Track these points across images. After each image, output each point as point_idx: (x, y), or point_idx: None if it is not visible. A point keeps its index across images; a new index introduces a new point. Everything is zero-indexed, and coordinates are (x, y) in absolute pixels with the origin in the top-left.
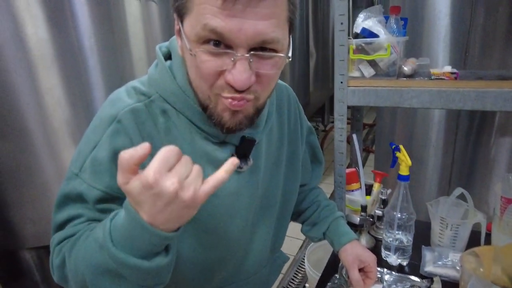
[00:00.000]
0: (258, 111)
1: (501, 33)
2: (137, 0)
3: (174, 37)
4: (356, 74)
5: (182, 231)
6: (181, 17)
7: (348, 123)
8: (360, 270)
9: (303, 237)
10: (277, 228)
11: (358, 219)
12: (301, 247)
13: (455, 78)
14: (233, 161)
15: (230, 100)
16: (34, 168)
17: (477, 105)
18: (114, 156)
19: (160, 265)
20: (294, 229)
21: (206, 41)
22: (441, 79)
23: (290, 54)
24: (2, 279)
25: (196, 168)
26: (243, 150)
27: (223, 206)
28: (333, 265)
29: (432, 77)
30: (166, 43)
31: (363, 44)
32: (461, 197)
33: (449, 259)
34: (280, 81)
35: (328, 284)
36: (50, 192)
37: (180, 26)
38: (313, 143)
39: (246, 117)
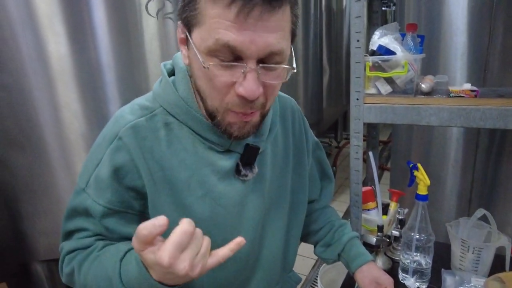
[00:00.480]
0: (263, 118)
1: None
2: (154, 17)
3: (177, 54)
4: (372, 91)
5: None
6: (189, 28)
7: (363, 140)
8: None
9: (315, 256)
10: (287, 242)
11: (375, 239)
12: (313, 267)
13: (475, 96)
14: (240, 242)
15: (241, 115)
16: (49, 180)
17: (499, 124)
18: (115, 173)
19: None
20: (306, 248)
21: (218, 54)
22: (460, 96)
23: (294, 65)
24: None
25: (205, 244)
26: (248, 158)
27: (230, 216)
28: (348, 287)
29: (451, 95)
30: (170, 61)
31: (379, 62)
32: (483, 218)
33: (472, 284)
34: (283, 94)
35: None
36: (63, 205)
37: (188, 36)
38: (321, 158)
39: (253, 126)
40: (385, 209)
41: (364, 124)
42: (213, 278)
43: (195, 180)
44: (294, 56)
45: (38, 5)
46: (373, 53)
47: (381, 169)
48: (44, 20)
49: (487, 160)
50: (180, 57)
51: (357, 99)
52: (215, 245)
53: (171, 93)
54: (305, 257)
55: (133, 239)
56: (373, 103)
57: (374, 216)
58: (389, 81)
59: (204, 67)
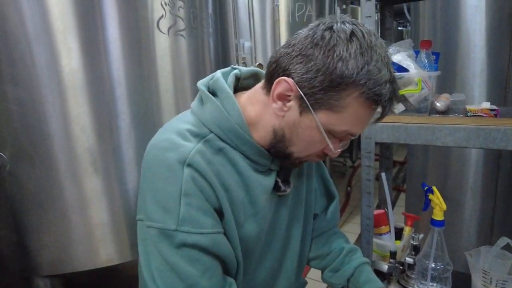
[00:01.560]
0: None
1: None
2: (165, 34)
3: (217, 75)
4: None
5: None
6: (319, 106)
7: (376, 160)
8: None
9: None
10: (302, 250)
11: (387, 267)
12: None
13: (495, 115)
14: None
15: (316, 160)
16: (56, 193)
17: None
18: (204, 197)
19: None
20: (317, 272)
21: (337, 135)
22: (479, 115)
23: None
24: None
25: None
26: (285, 175)
27: (268, 230)
28: None
29: (469, 114)
30: (205, 81)
31: None
32: (507, 247)
33: None
34: None
35: None
36: (68, 219)
37: (310, 107)
38: (324, 176)
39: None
40: (399, 234)
41: (377, 143)
42: (248, 282)
43: (247, 200)
44: None
45: (53, 22)
46: None
47: (397, 190)
48: (58, 35)
49: (510, 184)
50: (222, 79)
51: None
52: (258, 255)
53: (224, 119)
54: (316, 281)
55: None
56: (385, 122)
57: (387, 241)
58: (402, 99)
59: (331, 149)
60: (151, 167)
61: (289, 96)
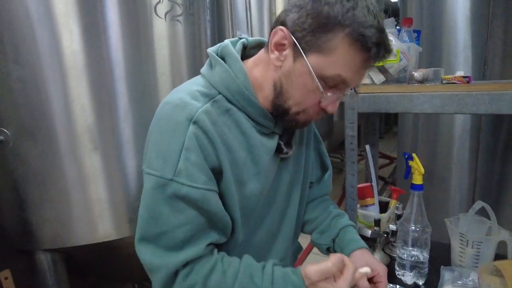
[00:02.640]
0: None
1: None
2: (162, 19)
3: (227, 43)
4: (366, 81)
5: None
6: (306, 47)
7: (359, 157)
8: (369, 281)
9: None
10: (299, 213)
11: (370, 232)
12: None
13: (468, 82)
14: (366, 270)
15: (310, 118)
16: (57, 170)
17: (492, 109)
18: (202, 154)
19: None
20: (313, 259)
21: (328, 81)
22: (453, 83)
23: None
24: (17, 279)
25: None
26: (287, 138)
27: (271, 190)
28: None
29: (444, 82)
30: (214, 48)
31: None
32: (486, 215)
33: (470, 278)
34: None
35: None
36: (68, 194)
37: (302, 53)
38: (320, 149)
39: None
40: (385, 207)
41: (362, 116)
42: (247, 242)
43: (250, 159)
44: None
45: (55, 5)
46: None
47: (394, 185)
48: (60, 18)
49: (491, 159)
50: (231, 45)
51: (351, 89)
52: (259, 214)
53: (232, 81)
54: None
55: (315, 273)
56: (367, 92)
57: (372, 211)
58: (382, 70)
59: (320, 91)
60: (160, 122)
61: (284, 44)
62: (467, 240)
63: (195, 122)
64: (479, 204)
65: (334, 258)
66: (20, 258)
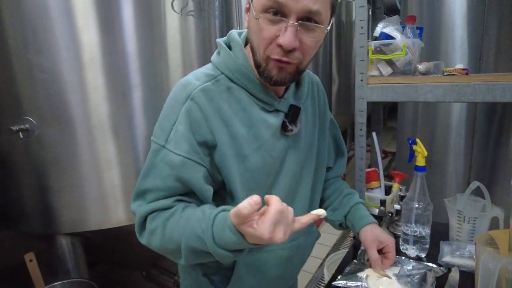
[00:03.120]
0: (299, 72)
1: None
2: (179, 13)
3: (231, 31)
4: (375, 73)
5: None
6: None
7: (368, 151)
8: (379, 252)
9: (322, 255)
10: (313, 196)
11: (377, 210)
12: (320, 266)
13: (466, 74)
14: (318, 212)
15: (278, 61)
16: (76, 157)
17: (488, 97)
18: (190, 127)
19: (245, 250)
20: (314, 248)
21: (268, 10)
22: (453, 75)
23: (328, 28)
24: (40, 261)
25: (291, 214)
26: (292, 116)
27: (276, 166)
28: (353, 256)
29: (445, 73)
30: (224, 38)
31: (381, 46)
32: (481, 195)
33: (467, 249)
34: (312, 73)
35: (347, 268)
36: (87, 181)
37: (250, 2)
38: (336, 135)
39: (290, 74)
40: (388, 191)
41: (368, 104)
42: None
43: (251, 134)
44: (328, 28)
45: (74, 1)
46: (375, 40)
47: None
48: (79, 13)
49: (485, 145)
50: (235, 33)
51: (361, 80)
52: (260, 188)
53: (232, 62)
54: (312, 256)
55: (233, 216)
56: (376, 83)
57: (377, 194)
58: (390, 63)
59: (255, 18)
60: (168, 99)
61: (247, 6)
62: (464, 217)
63: (192, 99)
64: (474, 184)
65: (246, 199)
66: (43, 242)
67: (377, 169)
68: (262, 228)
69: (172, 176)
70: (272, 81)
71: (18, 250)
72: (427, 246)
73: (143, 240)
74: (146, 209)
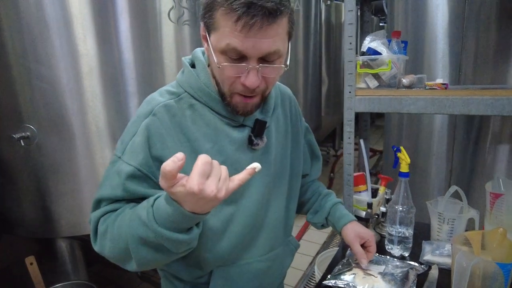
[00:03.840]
0: (264, 100)
1: (491, 55)
2: (175, 23)
3: (197, 49)
4: (362, 85)
5: None
6: (209, 30)
7: (355, 150)
8: (361, 246)
9: (313, 253)
10: (288, 207)
11: (364, 213)
12: (311, 263)
13: (445, 88)
14: (255, 167)
15: (243, 98)
16: (74, 163)
17: (464, 110)
18: (147, 140)
19: (195, 234)
20: (304, 245)
21: (228, 54)
22: (434, 89)
23: (288, 62)
24: (40, 264)
25: (224, 170)
26: (258, 130)
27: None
28: (341, 255)
29: (427, 87)
30: (189, 56)
31: (368, 60)
32: (459, 198)
33: (446, 248)
34: (283, 85)
35: (336, 267)
36: (85, 186)
37: (207, 35)
38: (311, 141)
39: (254, 105)
40: (375, 193)
41: (357, 115)
42: (226, 235)
43: (216, 149)
44: (289, 54)
45: (72, 12)
46: (363, 54)
47: (377, 176)
48: (77, 23)
49: (464, 151)
50: (199, 52)
51: (349, 92)
52: (227, 205)
53: (195, 80)
54: (303, 254)
55: (160, 179)
56: (363, 95)
57: (364, 197)
58: (376, 77)
59: (218, 66)
60: (134, 116)
61: (204, 34)
62: (444, 218)
63: (154, 114)
64: (453, 188)
65: (170, 159)
66: (42, 245)
67: (364, 173)
68: (190, 181)
69: (121, 186)
70: (238, 113)
71: (19, 254)
72: (410, 246)
73: (96, 246)
74: (98, 214)
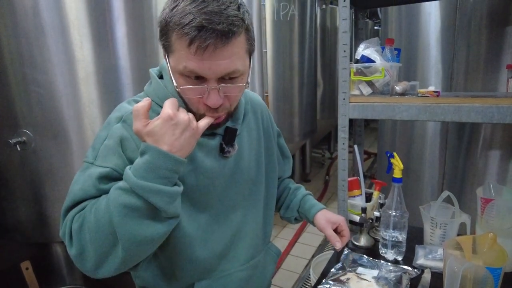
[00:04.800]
0: (231, 114)
1: (481, 62)
2: None
3: (163, 61)
4: (356, 92)
5: (181, 211)
6: (167, 52)
7: (349, 152)
8: (335, 232)
9: (308, 256)
10: (265, 213)
11: (358, 218)
12: (306, 266)
13: (437, 96)
14: (208, 120)
15: (211, 117)
16: (70, 168)
17: (455, 117)
18: (121, 142)
19: (177, 191)
20: (299, 248)
21: (187, 76)
22: (426, 96)
23: (248, 79)
24: (36, 269)
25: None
26: (229, 138)
27: (217, 189)
28: (336, 259)
29: (419, 95)
30: (156, 68)
31: (362, 68)
32: (451, 202)
33: (438, 253)
34: (253, 92)
35: (331, 271)
36: None
37: (166, 56)
38: (281, 144)
39: (223, 121)
40: (369, 198)
41: (351, 120)
42: (204, 243)
43: (186, 158)
44: (250, 70)
45: (69, 18)
46: (357, 61)
47: (372, 179)
48: (74, 29)
49: (457, 156)
50: (165, 63)
51: (344, 99)
52: (202, 213)
53: (162, 90)
54: (298, 257)
55: (134, 123)
56: (357, 102)
57: (359, 201)
58: (370, 84)
59: (176, 89)
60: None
61: (164, 51)
62: (436, 223)
63: (124, 121)
64: (445, 193)
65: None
66: (39, 251)
67: (359, 178)
68: (164, 110)
69: (94, 187)
70: (208, 128)
71: (14, 259)
72: (404, 250)
73: (73, 249)
74: (70, 217)
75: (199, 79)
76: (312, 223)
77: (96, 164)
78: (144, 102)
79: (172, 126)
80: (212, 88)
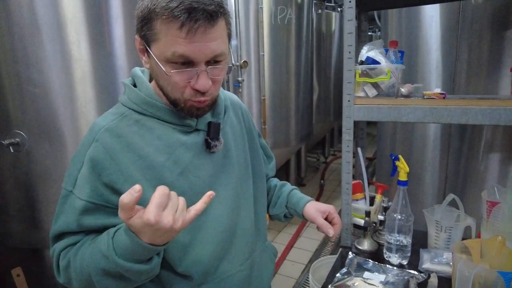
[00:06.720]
0: (214, 101)
1: (483, 65)
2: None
3: (134, 68)
4: (361, 94)
5: None
6: (148, 42)
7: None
8: (326, 220)
9: (304, 260)
10: (257, 211)
11: (363, 221)
12: (303, 271)
13: (444, 98)
14: (209, 194)
15: (197, 102)
16: (65, 171)
17: (462, 120)
18: (93, 169)
19: (156, 263)
20: (295, 253)
21: (175, 62)
22: (432, 98)
23: (233, 61)
24: (28, 276)
25: (182, 201)
26: (213, 133)
27: (206, 186)
28: (341, 264)
29: (425, 97)
30: (128, 78)
31: (367, 70)
32: (455, 206)
33: (444, 257)
34: (230, 93)
35: (337, 276)
36: None
37: (147, 47)
38: (263, 144)
39: (208, 106)
40: (371, 201)
41: (355, 123)
42: (201, 248)
43: (172, 160)
44: (231, 53)
45: (66, 16)
46: (361, 63)
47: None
48: (70, 27)
49: (459, 159)
50: (138, 70)
51: (349, 101)
52: (202, 216)
53: (136, 96)
54: (295, 262)
55: (119, 211)
56: (362, 104)
57: (362, 205)
58: (375, 86)
59: (166, 74)
60: (79, 145)
61: (142, 48)
62: (441, 226)
63: (97, 140)
64: (450, 196)
65: (128, 191)
66: (31, 256)
67: (362, 182)
68: (147, 212)
69: (75, 222)
70: (194, 116)
71: (5, 265)
72: (409, 254)
73: (61, 279)
74: (58, 248)
75: (186, 64)
76: (302, 216)
77: (75, 194)
78: (132, 195)
79: (153, 231)
80: (201, 71)
